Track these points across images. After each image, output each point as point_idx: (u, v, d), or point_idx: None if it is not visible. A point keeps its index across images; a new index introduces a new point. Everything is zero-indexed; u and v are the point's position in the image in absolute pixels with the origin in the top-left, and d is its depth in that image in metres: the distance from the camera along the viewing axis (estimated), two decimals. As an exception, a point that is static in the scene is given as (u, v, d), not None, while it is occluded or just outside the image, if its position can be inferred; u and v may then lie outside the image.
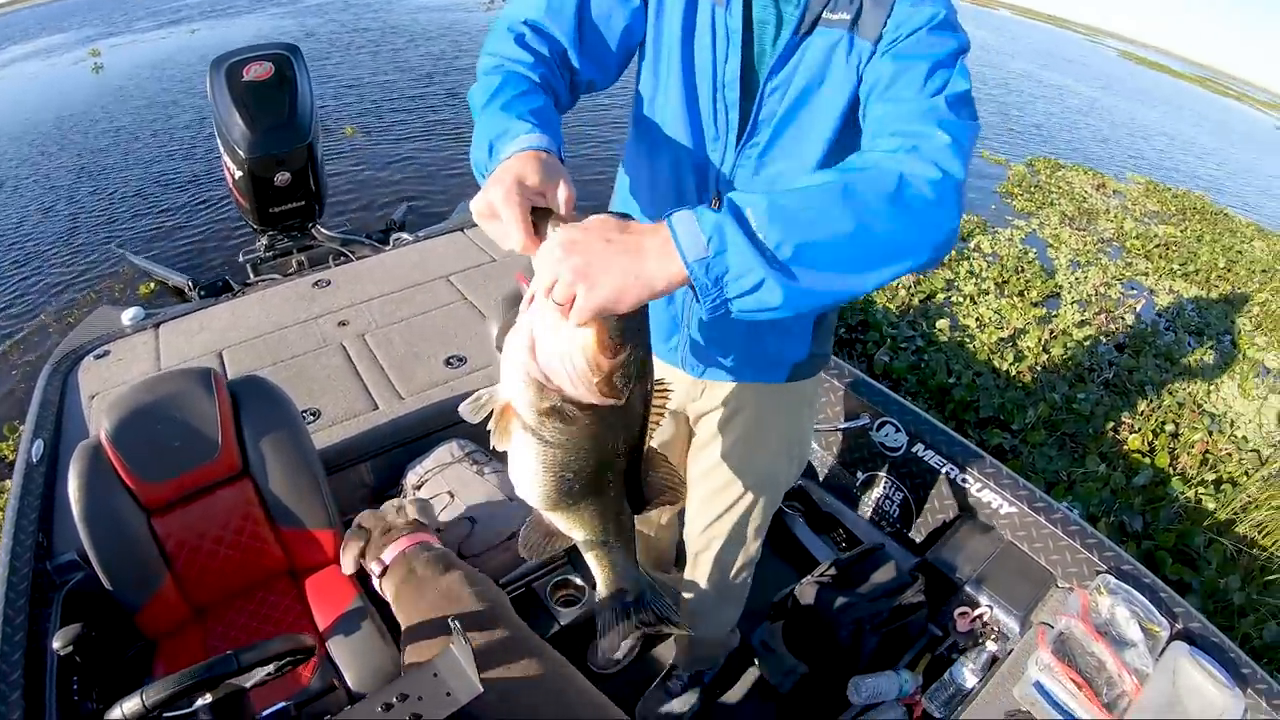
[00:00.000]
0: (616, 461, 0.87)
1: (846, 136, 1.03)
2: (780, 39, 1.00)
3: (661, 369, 1.32)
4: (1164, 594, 1.77)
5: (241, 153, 3.12)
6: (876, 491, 2.36)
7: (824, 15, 0.97)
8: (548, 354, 0.75)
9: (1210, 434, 3.80)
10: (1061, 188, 8.32)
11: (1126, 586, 1.77)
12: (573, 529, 0.92)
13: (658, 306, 1.24)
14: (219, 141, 3.23)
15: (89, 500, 1.52)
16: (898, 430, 2.26)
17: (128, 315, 2.79)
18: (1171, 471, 3.40)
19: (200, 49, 13.82)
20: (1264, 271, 6.77)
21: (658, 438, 1.43)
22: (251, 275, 3.52)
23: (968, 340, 4.12)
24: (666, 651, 2.03)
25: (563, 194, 0.78)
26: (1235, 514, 3.17)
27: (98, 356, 2.58)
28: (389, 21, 16.97)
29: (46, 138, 9.40)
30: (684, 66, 1.05)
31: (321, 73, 10.79)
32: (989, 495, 2.09)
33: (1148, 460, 3.43)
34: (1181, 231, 7.51)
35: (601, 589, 1.01)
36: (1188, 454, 3.57)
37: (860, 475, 2.41)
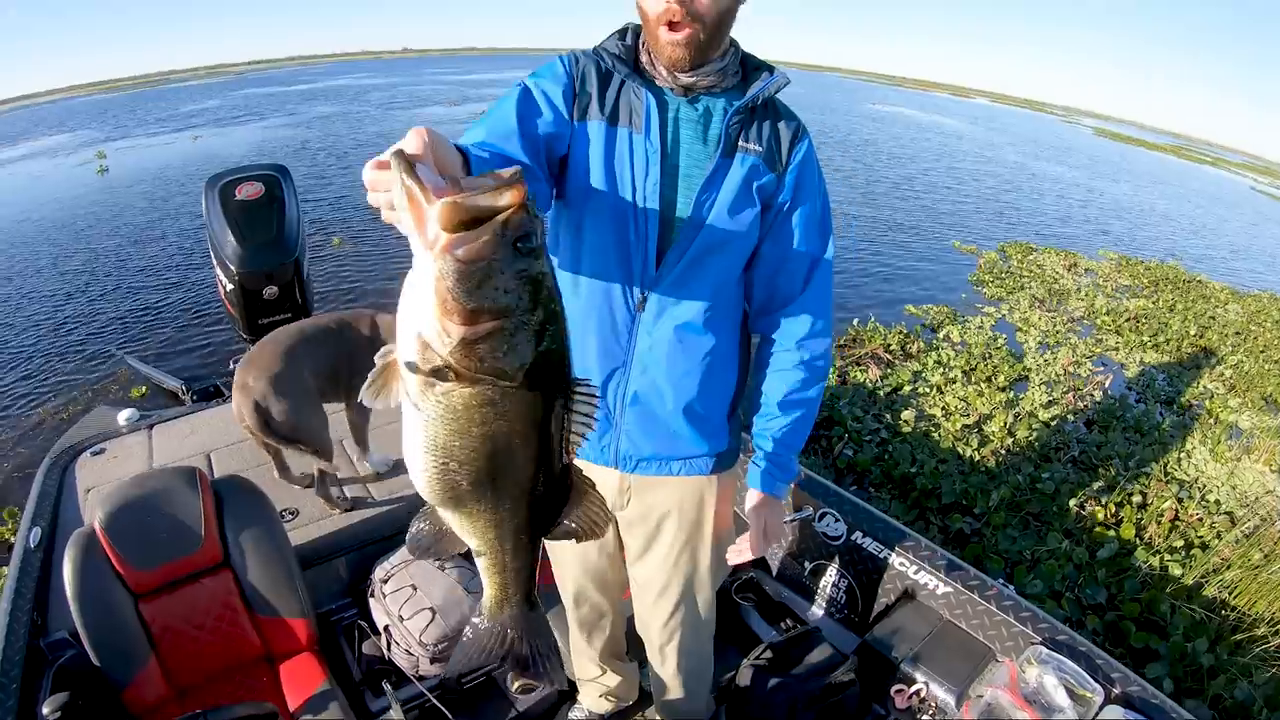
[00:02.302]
0: (514, 465, 0.79)
1: (753, 239, 1.28)
2: (710, 160, 1.21)
3: (591, 470, 1.35)
4: (1100, 660, 1.87)
5: (232, 267, 3.28)
6: (824, 580, 2.50)
7: (739, 143, 1.23)
8: (413, 299, 0.69)
9: (1180, 501, 3.91)
10: (1033, 271, 8.66)
11: (1059, 655, 1.88)
12: (464, 533, 0.86)
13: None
14: (212, 256, 3.41)
15: (82, 583, 1.67)
16: (837, 520, 2.43)
17: (123, 416, 2.98)
18: (1138, 542, 3.50)
19: (203, 156, 14.97)
20: (1237, 333, 6.97)
21: (592, 549, 1.59)
22: None
23: (933, 429, 4.31)
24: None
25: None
26: (1203, 577, 3.25)
27: (94, 453, 2.76)
28: (382, 133, 18.14)
29: (52, 236, 10.07)
30: (606, 183, 1.21)
31: (313, 183, 11.63)
32: (926, 576, 2.22)
33: (1113, 533, 3.54)
34: (1153, 303, 7.77)
35: (484, 608, 0.95)
36: (1156, 523, 3.68)
37: (808, 565, 2.55)
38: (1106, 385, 5.35)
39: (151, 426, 2.96)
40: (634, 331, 1.28)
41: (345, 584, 2.38)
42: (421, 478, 0.78)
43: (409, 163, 0.66)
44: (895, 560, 2.28)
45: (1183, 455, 4.43)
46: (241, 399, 2.22)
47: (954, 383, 5.03)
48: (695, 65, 1.18)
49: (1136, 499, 3.87)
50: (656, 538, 1.50)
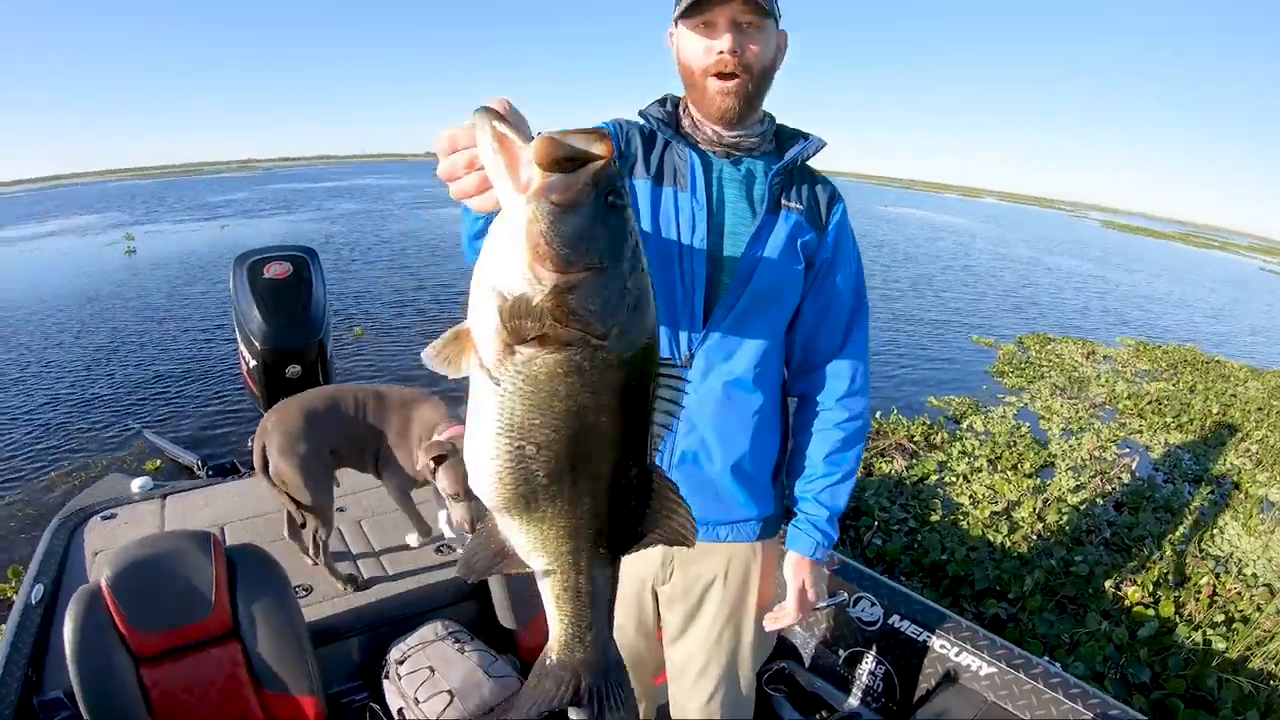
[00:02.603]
0: (598, 453, 0.71)
1: (797, 295, 1.31)
2: (755, 217, 1.25)
3: None
4: None
5: (257, 344, 3.29)
6: (860, 668, 2.45)
7: (782, 201, 1.27)
8: (496, 255, 0.66)
9: (1217, 576, 3.92)
10: (1052, 360, 8.82)
11: None
12: (531, 547, 0.75)
13: None
14: (237, 331, 3.42)
15: (82, 641, 1.60)
16: (873, 604, 2.40)
17: (137, 484, 2.97)
18: (1178, 618, 3.52)
19: (229, 244, 15.40)
20: (1259, 409, 7.01)
21: (630, 626, 1.49)
22: None
23: (961, 518, 4.39)
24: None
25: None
26: (1248, 650, 3.25)
27: (105, 518, 2.71)
28: (405, 231, 18.86)
29: (76, 311, 10.52)
30: (653, 241, 1.21)
31: (337, 275, 12.09)
32: (968, 658, 2.18)
33: (1152, 611, 3.56)
34: (1174, 385, 7.86)
35: (552, 646, 0.83)
36: (1194, 600, 3.69)
37: (842, 653, 2.52)
38: (1133, 467, 5.41)
39: (165, 496, 2.93)
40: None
41: (358, 665, 2.32)
42: (488, 471, 0.70)
43: (497, 113, 0.65)
44: (935, 642, 2.23)
45: (1216, 531, 4.45)
46: (257, 436, 2.35)
47: (980, 471, 5.13)
48: (742, 117, 1.24)
49: (1173, 577, 3.89)
50: (699, 612, 1.44)
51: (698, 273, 1.23)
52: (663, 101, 1.33)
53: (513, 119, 0.67)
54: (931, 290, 14.21)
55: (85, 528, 2.65)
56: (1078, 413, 6.71)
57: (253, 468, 3.17)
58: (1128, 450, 5.86)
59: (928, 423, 5.98)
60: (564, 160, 0.62)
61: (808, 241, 1.28)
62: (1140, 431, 6.31)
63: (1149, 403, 7.06)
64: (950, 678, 2.21)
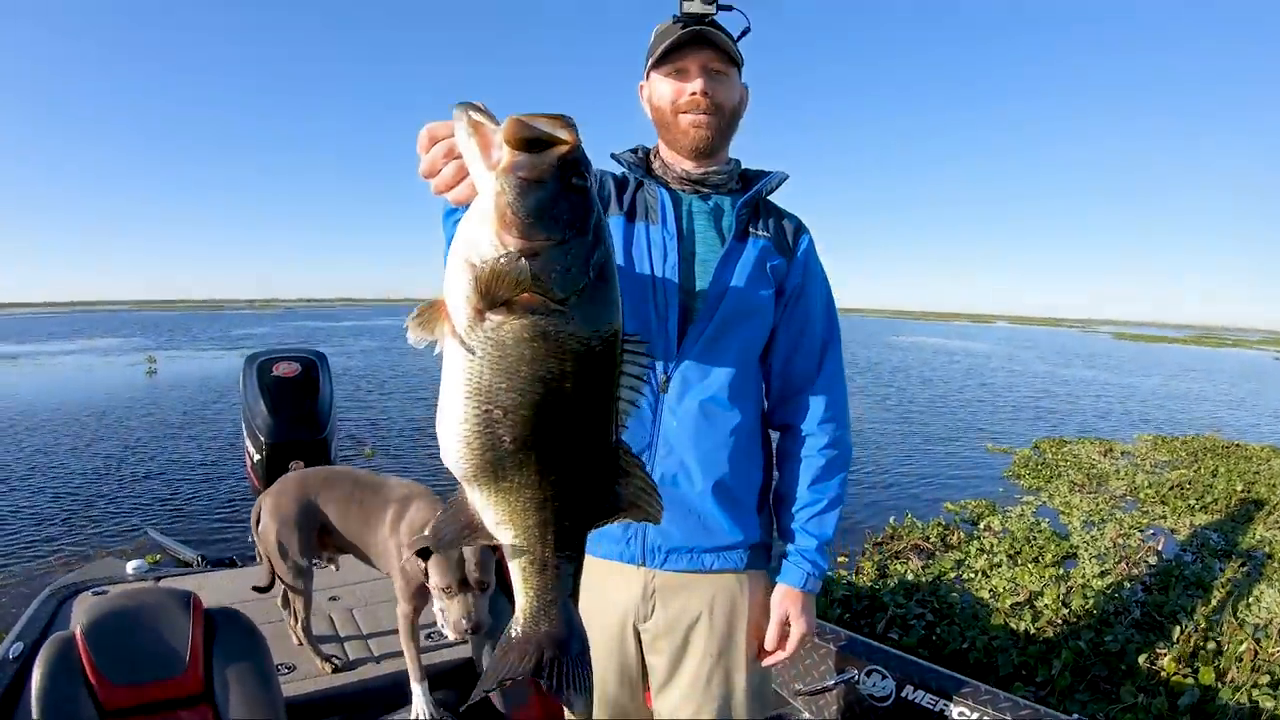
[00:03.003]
0: (563, 424, 0.73)
1: (769, 318, 1.34)
2: (724, 244, 1.30)
3: (614, 571, 1.32)
4: None
5: (262, 438, 3.33)
6: None
7: (750, 229, 1.33)
8: (468, 229, 0.71)
9: (1257, 641, 3.74)
10: (1069, 460, 8.73)
11: None
12: (499, 518, 0.77)
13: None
14: (244, 426, 3.46)
15: (49, 686, 1.55)
16: (884, 676, 2.29)
17: (131, 565, 2.95)
18: (1220, 684, 3.34)
19: None
20: (1286, 484, 6.84)
21: (611, 675, 1.38)
22: (260, 560, 3.72)
23: (981, 610, 4.26)
24: None
25: None
26: (1299, 710, 3.07)
27: (95, 593, 2.62)
28: (423, 367, 19.16)
29: (94, 420, 11.05)
30: (626, 272, 1.25)
31: (352, 404, 12.46)
32: None
33: (1190, 680, 3.39)
34: (1195, 471, 7.72)
35: (518, 619, 0.83)
36: (1235, 666, 3.51)
37: None
38: (1159, 548, 5.26)
39: (159, 579, 2.88)
40: (659, 411, 1.27)
41: None
42: (456, 437, 0.73)
43: (474, 105, 0.72)
44: (954, 711, 2.12)
45: (1251, 600, 4.28)
46: (256, 502, 2.40)
47: (999, 566, 5.00)
48: (713, 150, 1.32)
49: (1211, 646, 3.72)
50: (685, 654, 1.34)
51: (670, 300, 1.26)
52: (634, 150, 1.41)
53: (487, 113, 0.74)
54: (947, 408, 14.30)
55: (75, 600, 2.60)
56: (1098, 505, 6.59)
57: (251, 560, 3.30)
58: (1152, 533, 5.71)
59: (943, 524, 5.90)
60: (531, 140, 0.67)
61: (776, 266, 1.32)
62: (1164, 517, 6.17)
63: (1170, 489, 6.93)
64: None
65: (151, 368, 18.61)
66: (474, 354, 0.70)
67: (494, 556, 1.96)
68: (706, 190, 1.34)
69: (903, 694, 2.23)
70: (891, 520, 5.88)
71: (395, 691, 2.27)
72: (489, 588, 1.98)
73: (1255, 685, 3.30)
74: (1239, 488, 6.76)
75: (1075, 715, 2.05)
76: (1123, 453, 9.16)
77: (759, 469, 1.37)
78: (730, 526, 1.31)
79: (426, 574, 1.98)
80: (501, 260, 0.67)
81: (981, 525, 6.07)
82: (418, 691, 2.12)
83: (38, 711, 1.55)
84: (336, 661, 2.40)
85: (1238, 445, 9.11)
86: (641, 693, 1.45)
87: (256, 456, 3.44)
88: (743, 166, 1.41)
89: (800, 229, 1.38)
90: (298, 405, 3.46)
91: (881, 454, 9.60)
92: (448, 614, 1.95)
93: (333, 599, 2.83)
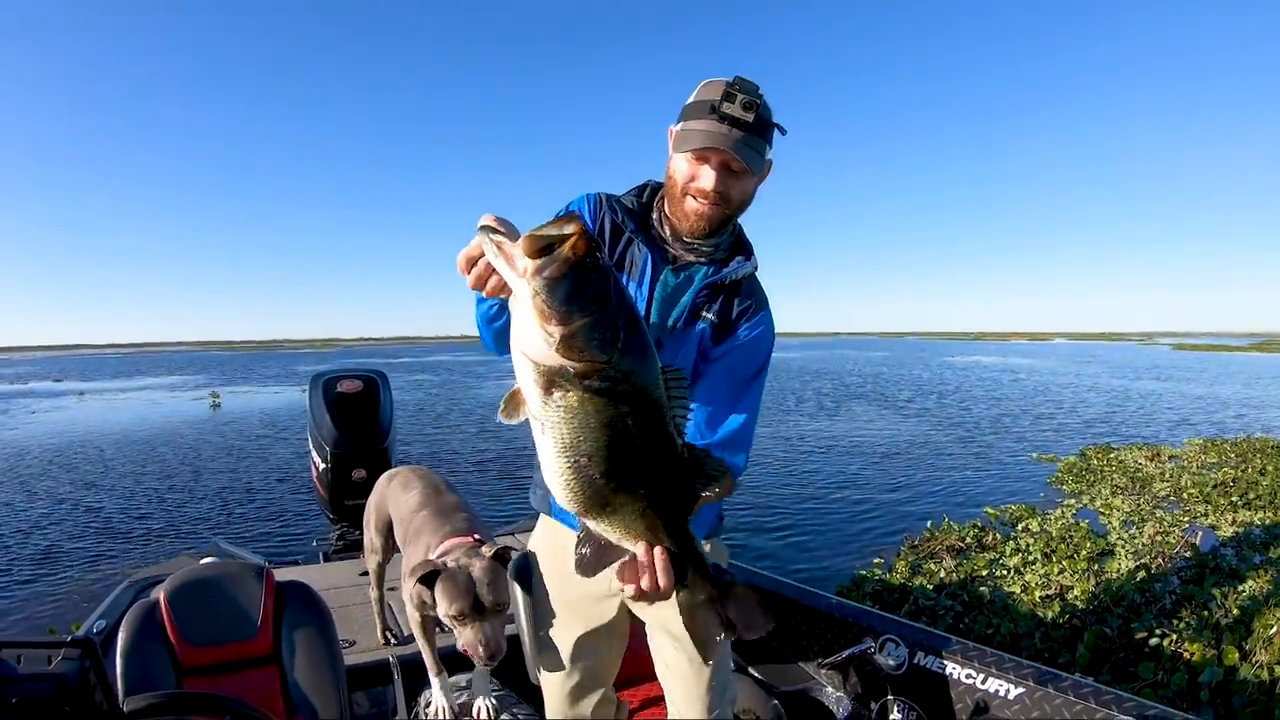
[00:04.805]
0: (638, 450, 0.89)
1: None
2: (672, 330, 1.38)
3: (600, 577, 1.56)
4: None
5: (327, 448, 3.62)
6: (893, 717, 2.44)
7: (702, 313, 1.40)
8: (518, 328, 0.86)
9: (1288, 626, 3.79)
10: (1114, 465, 8.68)
11: None
12: (620, 535, 0.95)
13: None
14: (310, 440, 3.75)
15: (135, 645, 1.73)
16: (897, 645, 2.40)
17: (205, 560, 3.15)
18: (1243, 663, 3.42)
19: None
20: (1335, 480, 6.73)
21: (589, 640, 1.59)
22: (322, 561, 3.86)
23: (1012, 603, 4.37)
24: None
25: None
26: (1322, 685, 3.14)
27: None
28: (480, 401, 20.39)
29: (163, 445, 11.95)
30: None
31: (412, 435, 13.15)
32: (995, 683, 2.15)
33: (1214, 659, 3.47)
34: (1242, 471, 7.61)
35: (682, 598, 1.02)
36: (1264, 649, 3.58)
37: (874, 705, 2.52)
38: (1197, 542, 5.27)
39: None
40: None
41: (392, 712, 2.38)
42: (562, 485, 0.90)
43: (492, 228, 0.88)
44: (962, 674, 2.24)
45: (1287, 588, 4.30)
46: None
47: (1033, 563, 5.08)
48: (710, 235, 1.36)
49: (1240, 630, 3.78)
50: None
51: None
52: (640, 190, 1.46)
53: (504, 229, 0.88)
54: (1005, 421, 14.21)
55: (152, 592, 2.75)
56: (1139, 506, 6.58)
57: (313, 560, 3.68)
58: (1191, 529, 5.71)
59: (979, 526, 5.99)
60: (544, 247, 0.82)
61: (709, 349, 1.41)
62: (1205, 514, 6.15)
63: (1214, 487, 6.88)
64: (981, 709, 2.20)
65: (215, 401, 19.56)
66: (552, 423, 0.86)
67: (504, 575, 1.86)
68: (689, 260, 1.40)
69: (915, 660, 2.37)
70: (929, 524, 5.99)
71: (444, 662, 2.37)
72: (504, 608, 1.85)
73: (1278, 662, 3.38)
74: (1286, 484, 6.68)
75: (1077, 675, 2.16)
76: (1170, 457, 9.04)
77: None
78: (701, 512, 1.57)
79: (434, 601, 1.85)
80: (552, 349, 0.83)
81: (1020, 527, 6.13)
82: (436, 685, 2.18)
83: (122, 667, 1.72)
84: (392, 635, 2.65)
85: (1290, 445, 8.93)
86: (618, 647, 1.66)
87: (322, 466, 3.76)
88: (738, 233, 1.47)
89: (752, 311, 1.43)
90: (361, 419, 3.77)
91: (923, 464, 9.66)
92: (461, 640, 1.84)
93: (391, 588, 2.94)
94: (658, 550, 0.96)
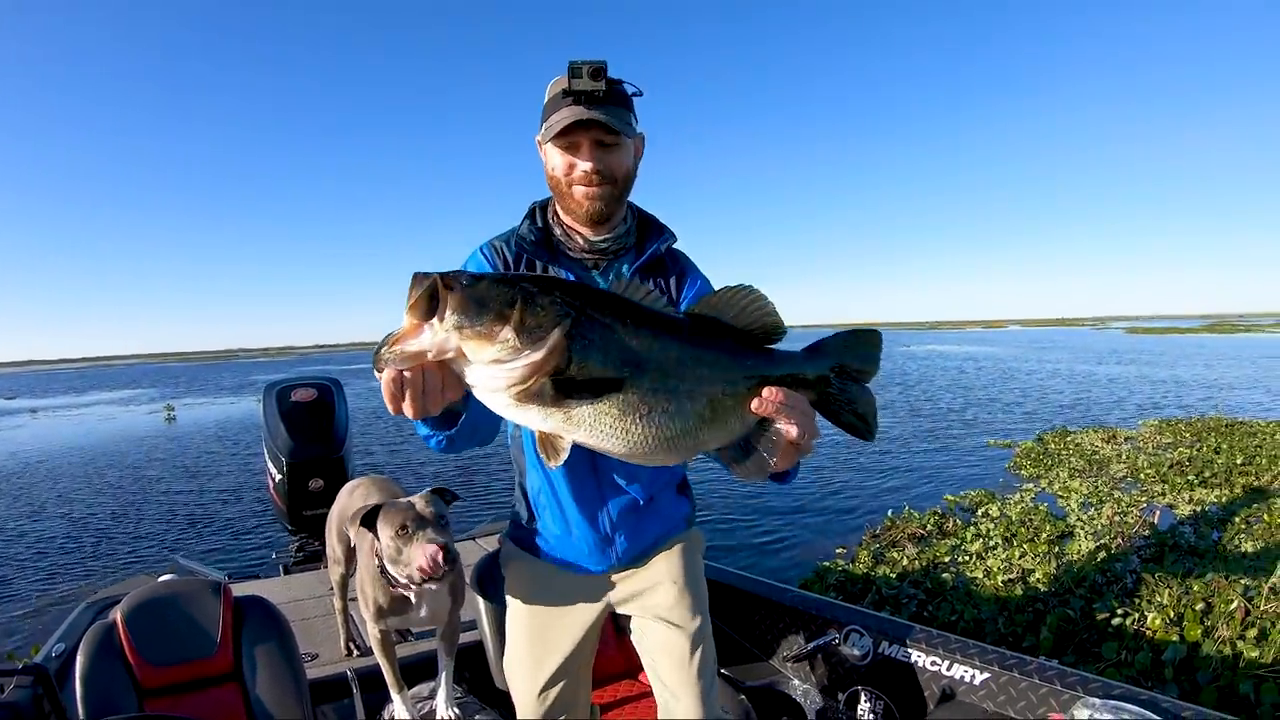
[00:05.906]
0: (667, 364, 0.87)
1: None
2: None
3: (597, 582, 1.50)
4: (1166, 704, 1.73)
5: (283, 458, 3.55)
6: (860, 707, 2.39)
7: None
8: (478, 378, 0.82)
9: (1249, 599, 3.75)
10: (1071, 449, 8.72)
11: (1115, 702, 1.75)
12: (739, 413, 0.94)
13: (589, 541, 1.46)
14: (265, 451, 3.66)
15: (91, 668, 1.68)
16: (862, 635, 2.41)
17: (163, 578, 3.10)
18: (1205, 639, 3.36)
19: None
20: (1288, 453, 6.82)
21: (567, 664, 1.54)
22: (282, 574, 3.77)
23: (975, 588, 4.29)
24: None
25: None
26: (1284, 654, 3.08)
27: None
28: None
29: (116, 462, 11.59)
30: None
31: (370, 439, 12.99)
32: (960, 669, 2.15)
33: (1177, 637, 3.41)
34: (1196, 451, 7.69)
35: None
36: (1225, 624, 3.53)
37: (841, 696, 2.47)
38: (1155, 521, 5.27)
39: None
40: (593, 462, 1.41)
41: None
42: (654, 437, 0.87)
43: (378, 361, 0.83)
44: (926, 662, 2.24)
45: (1248, 560, 4.28)
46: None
47: (994, 548, 5.03)
48: (608, 217, 1.36)
49: (1199, 605, 3.73)
50: (656, 607, 1.51)
51: None
52: (531, 216, 1.43)
53: (382, 349, 0.84)
54: (972, 410, 14.27)
55: (110, 612, 2.90)
56: (1097, 488, 6.59)
57: (274, 573, 3.60)
58: (1149, 508, 5.72)
59: (939, 513, 5.93)
60: (424, 305, 0.79)
61: None
62: (1163, 494, 6.17)
63: (1170, 467, 6.93)
64: (948, 696, 2.19)
65: (170, 415, 19.03)
66: (586, 420, 0.84)
67: (442, 501, 1.88)
68: (606, 260, 1.40)
69: (880, 650, 2.36)
70: (890, 513, 5.91)
71: (405, 673, 2.35)
72: (446, 522, 1.84)
73: (1241, 638, 3.32)
74: (1239, 461, 6.74)
75: (1041, 658, 2.12)
76: (1126, 439, 9.12)
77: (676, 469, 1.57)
78: (674, 504, 1.54)
79: (378, 536, 1.85)
80: (509, 345, 0.79)
81: (980, 513, 6.09)
82: (397, 700, 2.14)
83: (81, 691, 1.67)
84: (355, 647, 2.61)
85: (1241, 422, 9.06)
86: (589, 650, 1.60)
87: (278, 476, 3.66)
88: (639, 213, 1.47)
89: (687, 273, 1.47)
90: (315, 426, 3.67)
91: (884, 455, 9.64)
92: (411, 560, 1.75)
93: (353, 599, 3.01)
94: (770, 391, 0.93)
